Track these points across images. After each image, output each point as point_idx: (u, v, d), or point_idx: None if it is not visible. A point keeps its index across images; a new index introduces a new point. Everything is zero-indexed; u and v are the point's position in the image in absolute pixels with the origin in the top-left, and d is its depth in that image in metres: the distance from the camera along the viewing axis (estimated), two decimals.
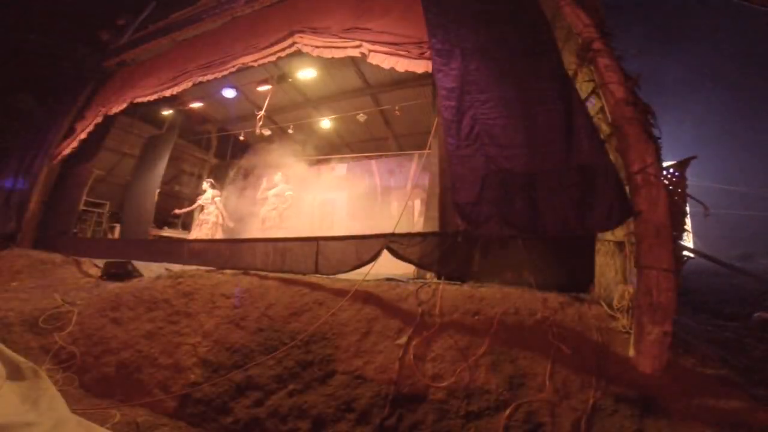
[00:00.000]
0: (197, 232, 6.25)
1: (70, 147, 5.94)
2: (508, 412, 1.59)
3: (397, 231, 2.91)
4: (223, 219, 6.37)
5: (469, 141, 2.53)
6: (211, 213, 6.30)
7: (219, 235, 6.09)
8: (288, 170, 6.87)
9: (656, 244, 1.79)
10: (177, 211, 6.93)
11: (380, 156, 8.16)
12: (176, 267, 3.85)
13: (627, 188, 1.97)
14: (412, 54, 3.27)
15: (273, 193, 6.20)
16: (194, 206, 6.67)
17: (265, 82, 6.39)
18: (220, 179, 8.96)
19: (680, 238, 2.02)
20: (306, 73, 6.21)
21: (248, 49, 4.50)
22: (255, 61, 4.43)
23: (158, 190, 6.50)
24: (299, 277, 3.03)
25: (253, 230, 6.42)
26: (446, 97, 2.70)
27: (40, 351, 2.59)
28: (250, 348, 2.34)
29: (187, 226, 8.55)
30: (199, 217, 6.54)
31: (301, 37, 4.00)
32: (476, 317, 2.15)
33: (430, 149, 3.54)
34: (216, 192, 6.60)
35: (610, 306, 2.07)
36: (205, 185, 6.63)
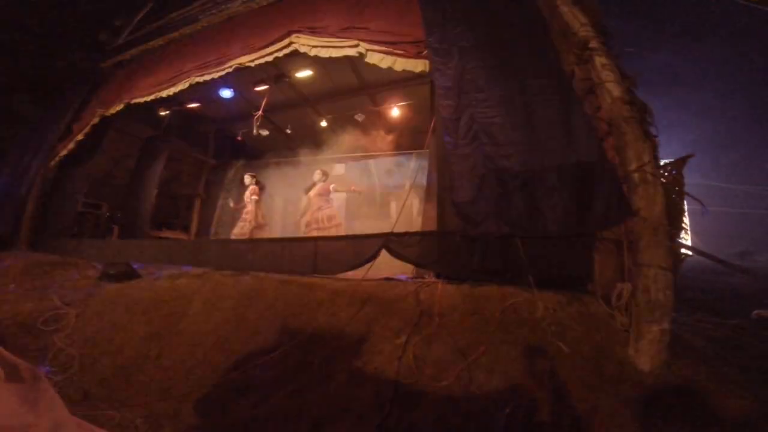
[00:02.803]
0: (238, 230, 5.82)
1: (67, 148, 5.92)
2: (507, 411, 1.59)
3: (396, 230, 2.92)
4: (257, 220, 5.93)
5: (467, 140, 2.53)
6: (249, 212, 5.94)
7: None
8: (300, 170, 6.41)
9: (654, 242, 1.80)
10: (233, 204, 6.44)
11: (378, 155, 8.18)
12: (176, 268, 3.84)
13: (624, 186, 1.98)
14: (409, 53, 3.27)
15: (314, 194, 5.65)
16: (245, 203, 6.10)
17: (262, 82, 6.38)
18: (218, 180, 8.95)
19: (678, 235, 2.03)
20: (303, 73, 6.20)
21: (245, 49, 4.49)
22: (252, 61, 4.42)
23: (156, 191, 6.47)
24: (298, 277, 3.03)
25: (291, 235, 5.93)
26: (444, 95, 2.71)
27: (38, 353, 2.58)
28: (250, 349, 2.33)
29: (187, 228, 8.53)
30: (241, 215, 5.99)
31: (298, 36, 4.00)
32: (475, 316, 2.15)
33: (428, 148, 3.55)
34: (254, 189, 6.12)
35: (608, 304, 2.07)
36: (247, 180, 6.14)
